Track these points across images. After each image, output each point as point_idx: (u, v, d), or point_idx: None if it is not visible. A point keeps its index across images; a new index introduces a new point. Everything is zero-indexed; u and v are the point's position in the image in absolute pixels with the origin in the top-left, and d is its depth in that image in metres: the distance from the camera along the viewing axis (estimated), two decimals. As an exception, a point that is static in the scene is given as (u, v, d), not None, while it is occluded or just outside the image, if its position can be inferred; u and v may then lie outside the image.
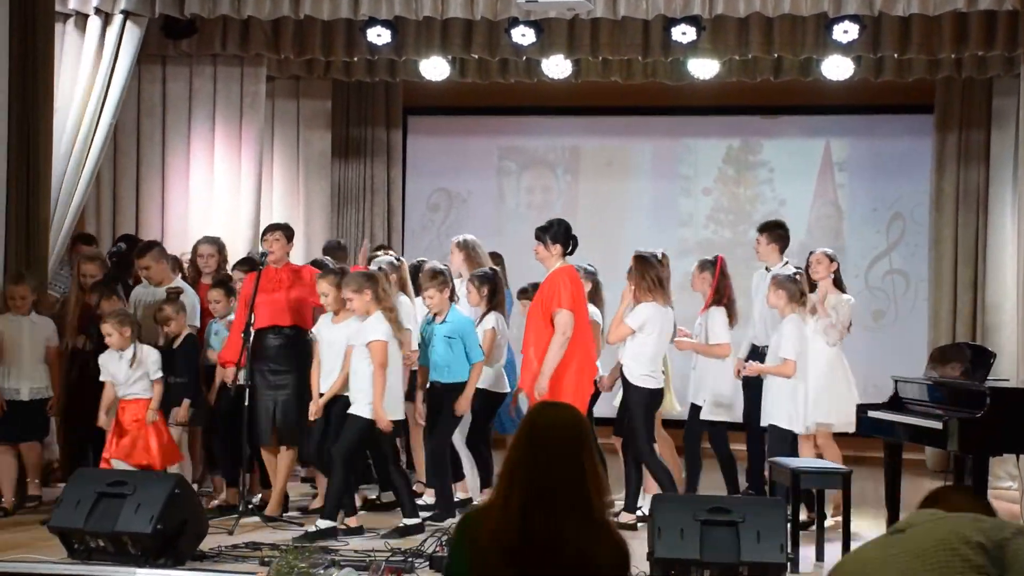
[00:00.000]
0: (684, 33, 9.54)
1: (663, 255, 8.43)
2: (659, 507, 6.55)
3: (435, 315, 8.40)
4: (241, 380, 8.24)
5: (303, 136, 12.07)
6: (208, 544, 7.12)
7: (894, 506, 7.68)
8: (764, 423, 8.15)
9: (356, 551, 7.20)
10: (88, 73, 9.59)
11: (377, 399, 7.71)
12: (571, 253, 8.18)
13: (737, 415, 8.76)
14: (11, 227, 8.79)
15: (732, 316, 8.73)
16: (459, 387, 8.30)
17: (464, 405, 8.32)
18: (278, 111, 11.88)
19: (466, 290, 8.76)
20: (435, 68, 11.00)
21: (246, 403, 8.17)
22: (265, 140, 11.40)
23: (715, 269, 8.69)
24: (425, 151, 12.89)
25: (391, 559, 6.94)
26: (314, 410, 8.00)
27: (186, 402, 8.37)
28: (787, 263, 8.98)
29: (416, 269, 9.05)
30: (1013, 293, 10.68)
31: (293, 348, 8.36)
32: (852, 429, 8.22)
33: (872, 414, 7.85)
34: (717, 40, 9.95)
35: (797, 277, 8.35)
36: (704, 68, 10.68)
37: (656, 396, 8.29)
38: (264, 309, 8.25)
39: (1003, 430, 6.93)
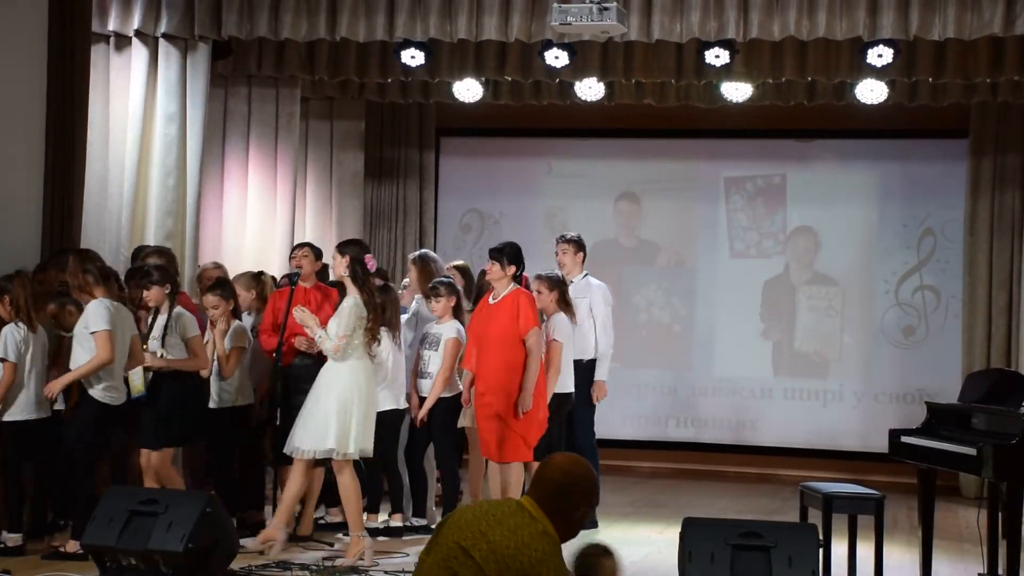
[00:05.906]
0: (718, 56, 9.55)
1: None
2: (689, 531, 6.49)
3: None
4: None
5: (336, 157, 12.13)
6: (238, 563, 7.14)
7: (928, 533, 7.61)
8: None
9: (386, 572, 7.21)
10: (142, 98, 9.76)
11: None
12: (518, 276, 8.36)
13: None
14: (45, 240, 8.85)
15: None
16: None
17: None
18: (312, 132, 11.95)
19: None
20: (468, 90, 11.04)
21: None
22: (299, 160, 11.46)
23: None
24: (458, 172, 12.93)
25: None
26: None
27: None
28: (587, 275, 9.19)
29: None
30: (1049, 319, 10.63)
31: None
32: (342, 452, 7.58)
33: (905, 439, 7.78)
34: (751, 63, 9.95)
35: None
36: (737, 91, 10.69)
37: None
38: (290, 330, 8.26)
39: (1039, 457, 6.85)
